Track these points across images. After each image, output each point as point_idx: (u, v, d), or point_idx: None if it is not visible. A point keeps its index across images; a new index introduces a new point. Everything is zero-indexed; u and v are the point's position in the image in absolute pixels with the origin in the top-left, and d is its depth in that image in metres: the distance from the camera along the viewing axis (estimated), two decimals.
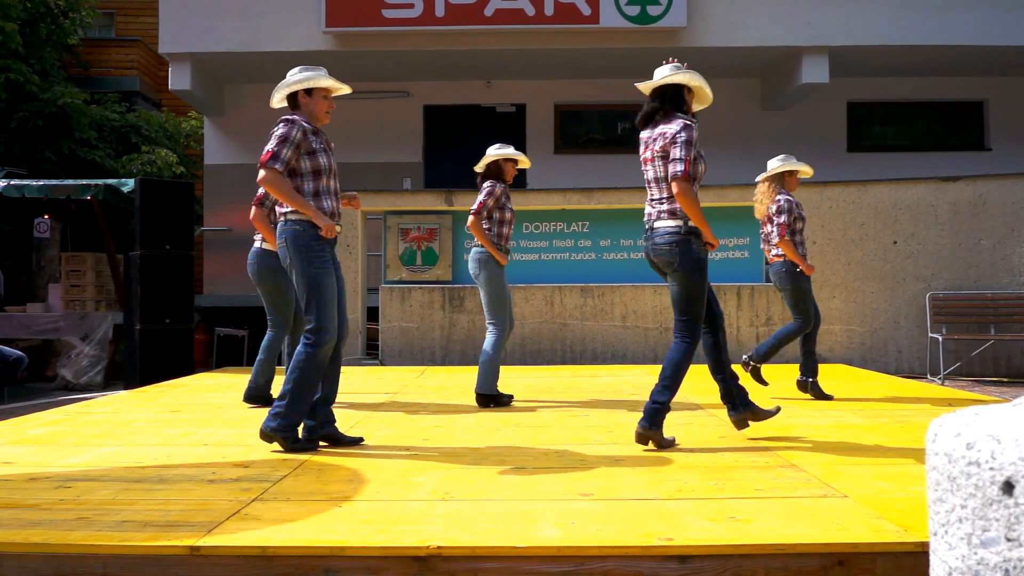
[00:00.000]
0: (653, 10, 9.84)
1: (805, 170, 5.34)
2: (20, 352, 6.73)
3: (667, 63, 3.78)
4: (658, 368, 3.79)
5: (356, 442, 3.76)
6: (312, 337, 3.53)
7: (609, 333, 8.37)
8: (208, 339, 10.42)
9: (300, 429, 3.65)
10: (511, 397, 5.13)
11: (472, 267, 4.96)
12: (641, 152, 3.83)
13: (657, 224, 3.73)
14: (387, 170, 11.36)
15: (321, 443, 3.71)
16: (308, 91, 3.76)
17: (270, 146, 3.54)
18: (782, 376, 6.35)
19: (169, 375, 7.13)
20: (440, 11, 9.85)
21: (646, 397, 3.72)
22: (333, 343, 3.61)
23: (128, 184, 8.24)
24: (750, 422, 3.87)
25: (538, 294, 8.30)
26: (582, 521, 2.47)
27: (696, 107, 3.88)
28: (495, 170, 5.06)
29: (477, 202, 4.94)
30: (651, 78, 3.80)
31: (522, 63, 10.95)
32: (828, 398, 5.24)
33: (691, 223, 3.62)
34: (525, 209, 8.28)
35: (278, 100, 3.82)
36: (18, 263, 10.97)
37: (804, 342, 5.36)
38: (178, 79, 10.27)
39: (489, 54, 10.48)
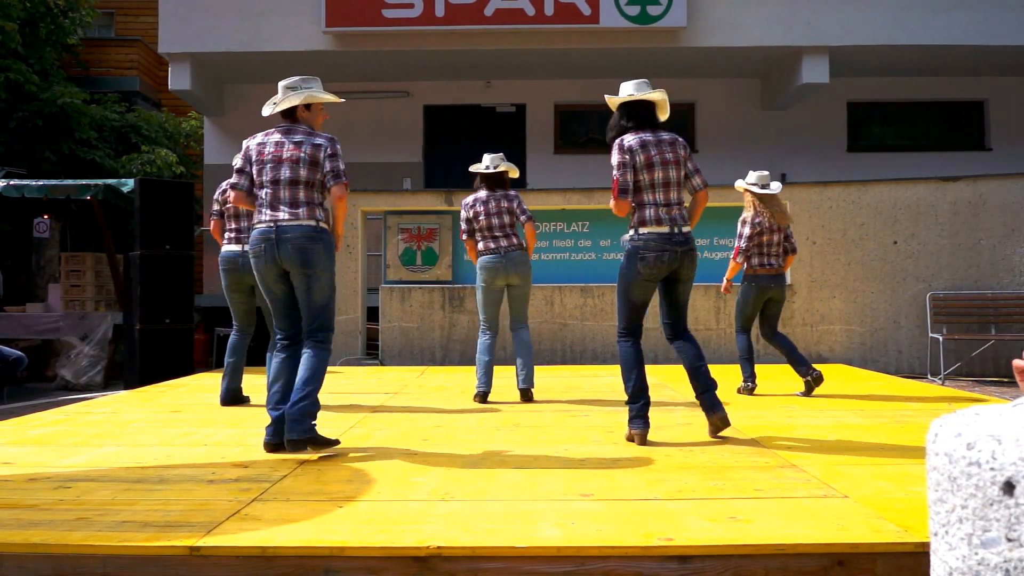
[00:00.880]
0: (653, 10, 9.84)
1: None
2: (20, 352, 6.73)
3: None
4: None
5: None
6: (325, 339, 3.65)
7: (609, 333, 8.36)
8: (208, 339, 10.42)
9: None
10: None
11: (523, 269, 5.20)
12: (659, 152, 3.77)
13: (687, 229, 3.80)
14: (387, 170, 11.37)
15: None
16: (308, 105, 3.76)
17: (343, 165, 3.69)
18: (783, 376, 6.35)
19: (169, 375, 7.13)
20: (440, 11, 9.85)
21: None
22: None
23: (128, 184, 8.24)
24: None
25: (538, 294, 8.30)
26: (582, 521, 2.47)
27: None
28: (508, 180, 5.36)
29: (526, 210, 5.22)
30: (651, 78, 3.87)
31: (522, 63, 10.95)
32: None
33: None
34: None
35: (284, 107, 3.70)
36: (18, 263, 10.97)
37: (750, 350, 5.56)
38: (178, 79, 10.27)
39: (489, 54, 10.49)
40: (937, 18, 10.04)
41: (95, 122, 11.24)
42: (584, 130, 12.25)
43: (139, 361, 7.42)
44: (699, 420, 4.42)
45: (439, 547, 2.23)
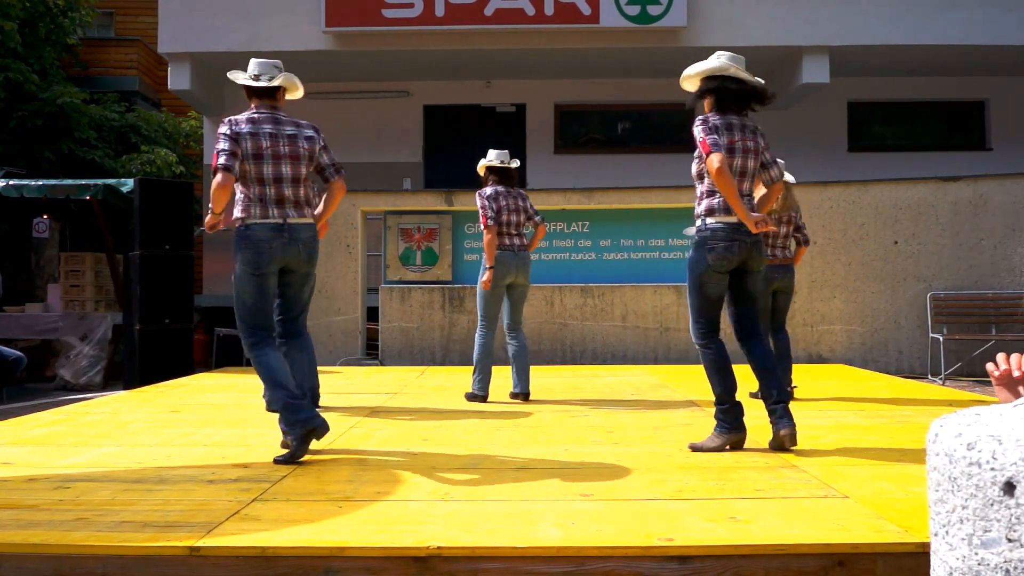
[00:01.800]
0: (653, 10, 9.83)
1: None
2: (19, 352, 6.74)
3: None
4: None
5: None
6: (305, 327, 3.90)
7: (609, 333, 8.36)
8: (208, 339, 10.42)
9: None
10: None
11: (528, 271, 5.16)
12: (741, 139, 3.51)
13: None
14: (387, 170, 11.36)
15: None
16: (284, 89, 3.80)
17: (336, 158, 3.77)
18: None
19: (169, 375, 7.12)
20: (440, 11, 9.84)
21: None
22: None
23: (127, 184, 8.24)
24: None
25: (538, 294, 8.29)
26: (582, 521, 2.47)
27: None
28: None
29: (537, 211, 5.22)
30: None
31: (522, 63, 10.94)
32: None
33: None
34: None
35: (277, 83, 3.69)
36: (17, 263, 10.97)
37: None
38: (177, 79, 10.26)
39: (489, 54, 10.48)
40: (937, 18, 10.04)
41: (95, 122, 11.24)
42: (584, 130, 12.25)
43: (139, 361, 7.42)
44: (699, 420, 4.41)
45: (439, 547, 2.23)
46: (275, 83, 3.68)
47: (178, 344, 7.65)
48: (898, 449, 3.61)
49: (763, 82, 3.58)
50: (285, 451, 3.40)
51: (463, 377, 6.78)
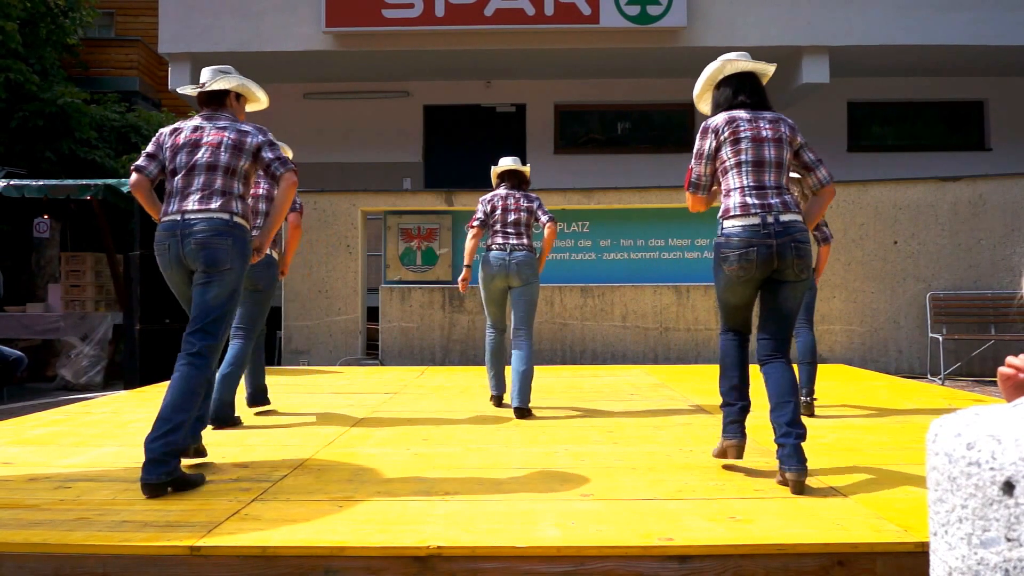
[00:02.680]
0: (653, 10, 9.84)
1: None
2: (20, 352, 6.74)
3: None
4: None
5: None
6: (204, 351, 3.45)
7: (609, 333, 8.37)
8: None
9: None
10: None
11: (526, 272, 4.84)
12: (744, 128, 3.17)
13: (791, 218, 3.04)
14: (387, 170, 11.37)
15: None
16: (239, 96, 3.46)
17: (287, 156, 3.34)
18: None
19: (169, 375, 7.08)
20: (440, 11, 9.85)
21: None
22: None
23: (128, 184, 8.24)
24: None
25: (538, 294, 8.29)
26: (582, 521, 2.47)
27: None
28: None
29: (547, 211, 5.05)
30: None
31: (522, 63, 10.95)
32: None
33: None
34: None
35: (216, 87, 3.34)
36: (18, 263, 10.97)
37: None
38: (178, 79, 10.27)
39: (489, 54, 10.49)
40: (937, 18, 10.05)
41: (95, 122, 11.24)
42: (584, 130, 12.25)
43: (139, 361, 7.42)
44: (699, 420, 4.42)
45: (439, 547, 2.23)
46: (215, 87, 3.31)
47: (178, 344, 7.62)
48: (898, 449, 3.61)
49: (765, 63, 3.33)
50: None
51: (463, 377, 6.78)
